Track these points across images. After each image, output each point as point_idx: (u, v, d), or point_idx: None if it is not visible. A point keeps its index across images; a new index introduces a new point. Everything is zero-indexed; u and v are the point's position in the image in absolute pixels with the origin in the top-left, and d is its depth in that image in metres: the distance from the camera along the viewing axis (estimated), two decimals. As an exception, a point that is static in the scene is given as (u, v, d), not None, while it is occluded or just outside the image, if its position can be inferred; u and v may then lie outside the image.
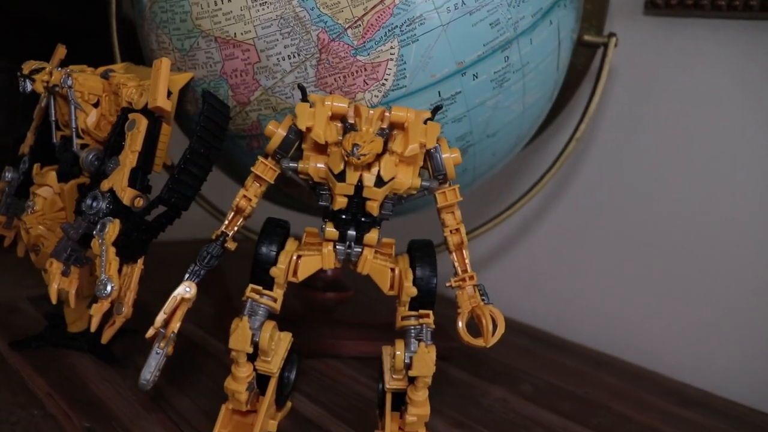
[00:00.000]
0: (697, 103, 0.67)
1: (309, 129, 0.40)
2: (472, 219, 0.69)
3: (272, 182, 0.43)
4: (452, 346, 0.60)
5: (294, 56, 0.46)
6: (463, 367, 0.60)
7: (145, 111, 0.46)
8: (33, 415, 0.43)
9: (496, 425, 0.50)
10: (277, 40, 0.45)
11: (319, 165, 0.41)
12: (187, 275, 0.42)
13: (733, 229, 0.65)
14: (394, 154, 0.40)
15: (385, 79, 0.46)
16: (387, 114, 0.41)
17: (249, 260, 0.42)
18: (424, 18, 0.45)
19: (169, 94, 0.46)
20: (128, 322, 0.46)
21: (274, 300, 0.42)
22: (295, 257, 0.42)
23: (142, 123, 0.45)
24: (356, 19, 0.44)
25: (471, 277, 0.43)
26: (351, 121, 0.41)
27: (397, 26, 0.45)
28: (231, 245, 0.44)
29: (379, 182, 0.40)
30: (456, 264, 0.44)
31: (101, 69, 0.51)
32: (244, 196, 0.43)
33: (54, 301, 0.44)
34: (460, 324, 0.43)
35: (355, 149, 0.38)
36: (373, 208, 0.40)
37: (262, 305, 0.41)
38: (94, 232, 0.43)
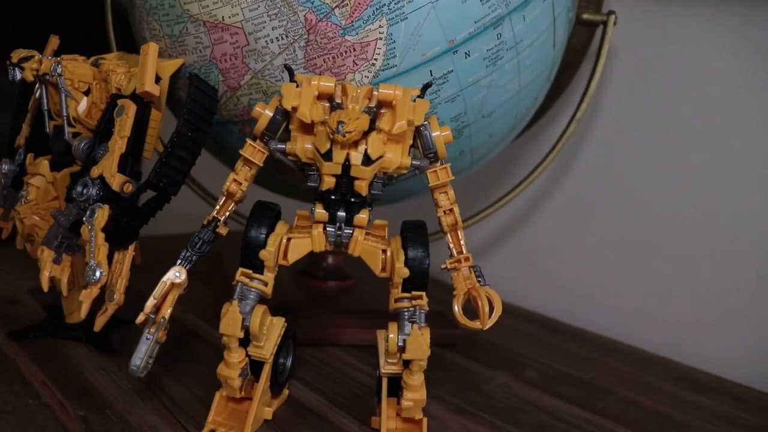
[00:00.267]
0: (698, 81, 0.65)
1: (295, 108, 0.40)
2: (474, 203, 0.68)
3: (261, 165, 0.43)
4: (455, 333, 0.60)
5: (282, 38, 0.45)
6: (464, 353, 0.59)
7: (134, 96, 0.45)
8: (27, 404, 0.43)
9: (496, 411, 0.49)
10: (265, 22, 0.45)
11: (306, 145, 0.41)
12: (179, 261, 0.42)
13: (742, 210, 0.63)
14: (382, 132, 0.39)
15: (375, 59, 0.45)
16: (375, 93, 0.41)
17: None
18: (413, -5, 0.44)
19: (159, 79, 0.46)
20: (122, 311, 0.46)
21: (265, 284, 0.41)
22: (284, 240, 0.41)
23: (131, 108, 0.45)
24: (343, -3, 0.43)
25: (466, 258, 0.42)
26: (338, 100, 0.40)
27: (385, 4, 0.44)
28: (223, 230, 0.43)
29: (367, 161, 0.39)
30: (451, 245, 0.43)
31: (93, 58, 0.51)
32: (235, 180, 0.43)
33: (45, 288, 0.44)
34: (456, 307, 0.42)
35: (340, 126, 0.37)
36: (361, 187, 0.40)
37: (252, 289, 0.41)
38: (84, 219, 0.43)
